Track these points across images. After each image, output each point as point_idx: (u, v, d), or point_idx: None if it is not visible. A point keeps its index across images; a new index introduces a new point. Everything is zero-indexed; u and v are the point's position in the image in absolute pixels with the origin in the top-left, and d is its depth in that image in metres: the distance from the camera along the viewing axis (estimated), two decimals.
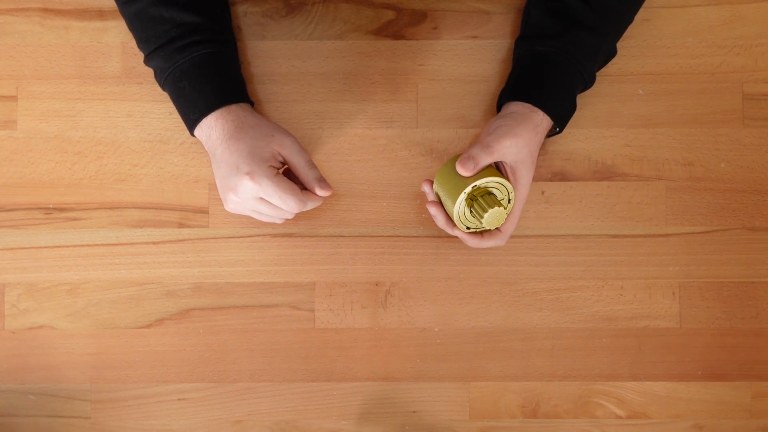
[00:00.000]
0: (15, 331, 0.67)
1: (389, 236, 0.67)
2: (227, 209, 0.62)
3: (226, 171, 0.59)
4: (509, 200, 0.60)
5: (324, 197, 0.62)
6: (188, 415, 0.67)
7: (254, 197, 0.59)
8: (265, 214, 0.61)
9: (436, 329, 0.67)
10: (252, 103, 0.64)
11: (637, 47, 0.67)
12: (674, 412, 0.68)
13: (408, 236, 0.67)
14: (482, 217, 0.58)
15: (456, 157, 0.60)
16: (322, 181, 0.61)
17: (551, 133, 0.63)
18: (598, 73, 0.64)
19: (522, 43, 0.64)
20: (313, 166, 0.61)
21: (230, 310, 0.67)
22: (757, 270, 0.67)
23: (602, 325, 0.67)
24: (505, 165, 0.60)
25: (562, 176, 0.67)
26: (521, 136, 0.58)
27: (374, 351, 0.67)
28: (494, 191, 0.59)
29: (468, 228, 0.61)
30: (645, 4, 0.65)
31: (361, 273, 0.67)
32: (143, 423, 0.67)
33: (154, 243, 0.67)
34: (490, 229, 0.61)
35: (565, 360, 0.67)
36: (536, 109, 0.60)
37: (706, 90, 0.67)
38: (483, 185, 0.58)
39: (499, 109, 0.64)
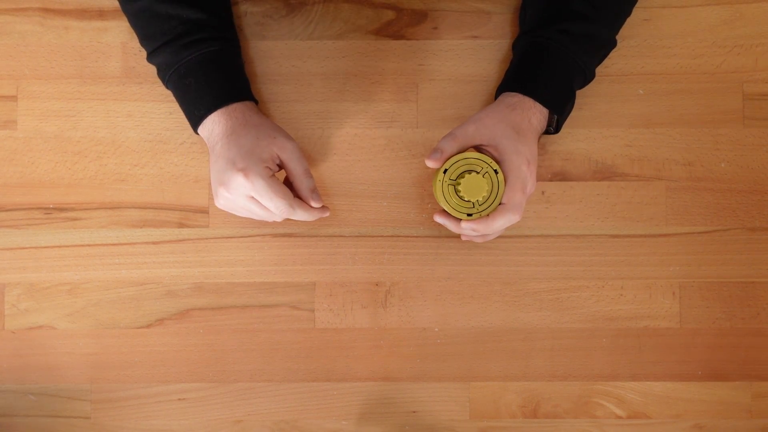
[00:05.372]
0: (15, 331, 0.67)
1: (389, 236, 0.67)
2: (218, 205, 0.61)
3: (222, 165, 0.59)
4: (496, 171, 0.59)
5: (316, 213, 0.62)
6: (188, 415, 0.67)
7: (245, 195, 0.59)
8: (255, 213, 0.61)
9: (436, 329, 0.67)
10: (256, 102, 0.64)
11: (637, 47, 0.67)
12: (674, 412, 0.67)
13: (408, 236, 0.67)
14: (461, 191, 0.58)
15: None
16: (315, 193, 0.61)
17: (557, 123, 0.63)
18: (598, 73, 0.64)
19: (516, 40, 0.64)
20: (309, 175, 0.61)
21: (230, 310, 0.67)
22: (757, 270, 0.67)
23: (602, 325, 0.67)
24: (487, 147, 0.60)
25: (562, 176, 0.67)
26: (487, 117, 0.60)
27: (374, 351, 0.67)
28: (473, 169, 0.59)
29: (469, 215, 0.60)
30: (645, 4, 0.65)
31: (361, 273, 0.67)
32: (143, 423, 0.67)
33: (154, 243, 0.67)
34: (490, 210, 0.59)
35: (565, 360, 0.67)
36: (523, 96, 0.60)
37: (706, 90, 0.67)
38: (455, 166, 0.59)
39: None
